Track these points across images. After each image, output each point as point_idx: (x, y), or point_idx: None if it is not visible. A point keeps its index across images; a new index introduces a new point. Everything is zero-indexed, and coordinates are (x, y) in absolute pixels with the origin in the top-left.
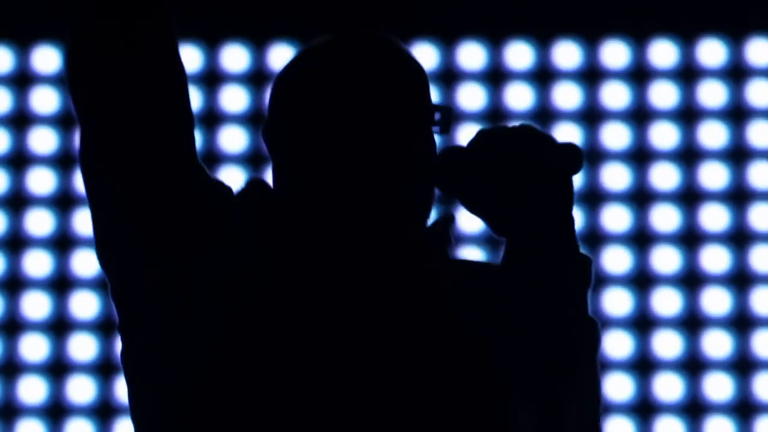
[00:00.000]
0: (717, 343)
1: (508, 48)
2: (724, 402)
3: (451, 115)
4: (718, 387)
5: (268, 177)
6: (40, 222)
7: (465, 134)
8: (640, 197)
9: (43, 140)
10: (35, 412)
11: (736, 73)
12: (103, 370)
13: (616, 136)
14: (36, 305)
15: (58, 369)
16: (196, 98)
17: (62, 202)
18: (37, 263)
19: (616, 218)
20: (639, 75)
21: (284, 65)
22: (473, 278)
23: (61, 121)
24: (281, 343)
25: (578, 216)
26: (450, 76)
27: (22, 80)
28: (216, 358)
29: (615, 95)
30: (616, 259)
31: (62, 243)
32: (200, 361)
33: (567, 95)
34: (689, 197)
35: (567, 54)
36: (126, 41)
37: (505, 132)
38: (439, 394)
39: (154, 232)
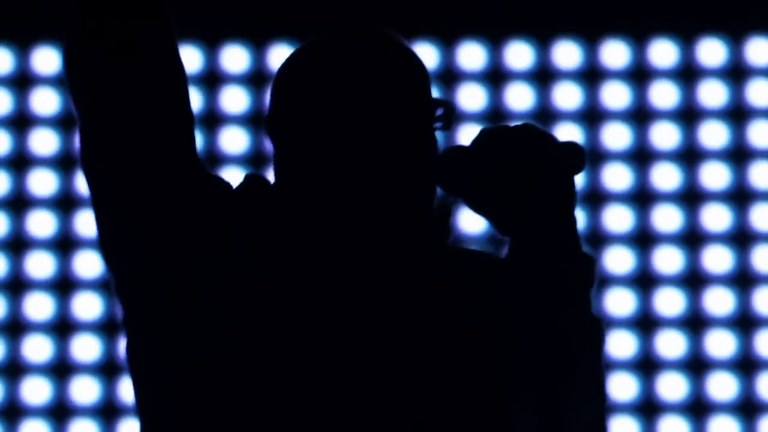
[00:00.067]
0: (720, 343)
1: (509, 48)
2: (727, 401)
3: (453, 111)
4: (722, 387)
5: (269, 177)
6: (42, 223)
7: (465, 135)
8: (642, 197)
9: (43, 141)
10: (39, 413)
11: (737, 73)
12: (106, 370)
13: (616, 136)
14: (39, 306)
15: (61, 370)
16: (196, 99)
17: (64, 204)
18: (40, 264)
19: (618, 219)
20: (639, 75)
21: (286, 59)
22: (477, 273)
23: (62, 122)
24: (283, 341)
25: (580, 216)
26: (450, 76)
27: (22, 81)
28: (217, 356)
29: (615, 95)
30: (618, 260)
31: (64, 244)
32: (202, 358)
33: (567, 95)
34: (691, 197)
35: (567, 54)
36: (125, 41)
37: (507, 131)
38: (442, 390)
39: (155, 231)
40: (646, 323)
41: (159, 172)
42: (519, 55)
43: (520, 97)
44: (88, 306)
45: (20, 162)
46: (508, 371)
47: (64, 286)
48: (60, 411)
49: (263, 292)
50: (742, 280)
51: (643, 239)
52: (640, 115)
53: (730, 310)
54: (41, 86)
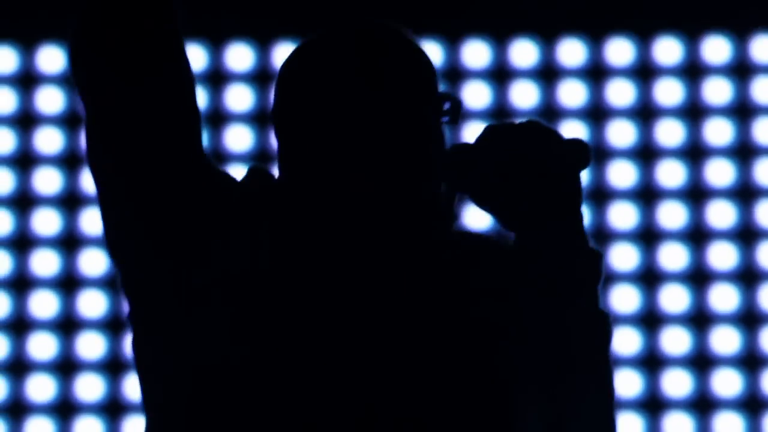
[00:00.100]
0: (725, 340)
1: (513, 46)
2: (733, 398)
3: (460, 105)
4: (727, 383)
5: (273, 172)
6: (46, 222)
7: (470, 132)
8: (647, 195)
9: (48, 140)
10: (44, 410)
11: (742, 70)
12: (111, 368)
13: (621, 133)
14: (44, 304)
15: (66, 367)
16: (200, 98)
17: (69, 202)
18: (45, 263)
19: (623, 216)
20: (644, 72)
21: (291, 53)
22: (484, 267)
23: (67, 121)
24: (287, 337)
25: (586, 213)
26: (455, 74)
27: (27, 80)
28: (221, 353)
29: (620, 93)
30: (623, 257)
31: (69, 242)
32: (206, 355)
33: (572, 93)
34: (696, 194)
35: (572, 52)
36: (131, 40)
37: (513, 128)
38: (447, 386)
39: (160, 227)
40: (650, 320)
41: (165, 170)
42: (523, 52)
43: (524, 95)
44: (93, 304)
45: (25, 160)
46: (515, 367)
47: (69, 284)
48: (65, 408)
49: (267, 288)
50: (747, 277)
51: (648, 236)
52: (645, 113)
53: (735, 307)
54: (46, 85)
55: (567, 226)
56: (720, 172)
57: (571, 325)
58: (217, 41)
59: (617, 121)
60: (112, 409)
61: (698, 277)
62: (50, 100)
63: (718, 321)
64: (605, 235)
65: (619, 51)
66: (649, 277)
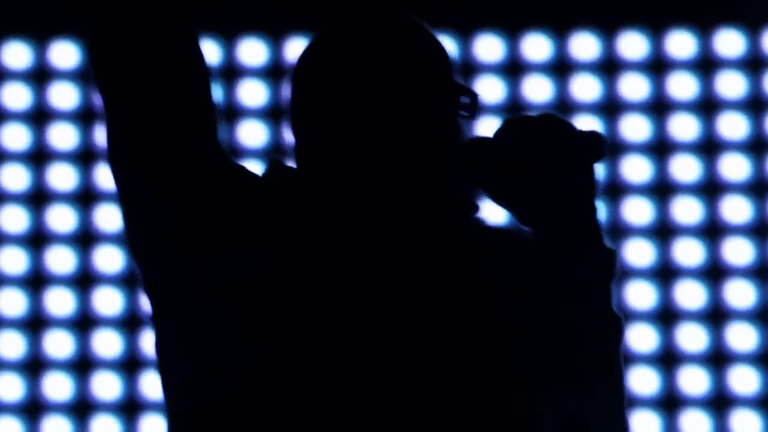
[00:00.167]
0: (741, 336)
1: (526, 40)
2: (749, 395)
3: (478, 99)
4: (743, 380)
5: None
6: (61, 218)
7: (483, 127)
8: (662, 189)
9: (62, 136)
10: (61, 409)
11: (756, 64)
12: (128, 366)
13: (635, 128)
14: (60, 302)
15: (83, 366)
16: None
17: (84, 198)
18: (61, 260)
19: (638, 211)
20: (658, 66)
21: (307, 46)
22: (502, 262)
23: (81, 117)
24: (306, 335)
25: (602, 208)
26: (468, 68)
27: (40, 75)
28: (242, 351)
29: (634, 87)
30: (638, 253)
31: (85, 239)
32: (226, 354)
33: (586, 87)
34: (711, 189)
35: (585, 46)
36: (148, 35)
37: (529, 121)
38: (461, 381)
39: (181, 225)
40: (666, 316)
41: (184, 164)
42: (537, 47)
43: (538, 90)
44: (109, 301)
45: (39, 157)
46: (531, 363)
47: (84, 281)
48: (82, 407)
49: (285, 285)
50: (764, 272)
51: (663, 231)
52: (659, 107)
53: (752, 303)
54: (59, 80)
55: (582, 220)
56: (735, 167)
57: (583, 323)
58: (229, 36)
59: (631, 115)
60: (129, 408)
61: (714, 273)
62: (64, 95)
63: (734, 317)
64: (620, 231)
65: (633, 45)
66: (665, 273)
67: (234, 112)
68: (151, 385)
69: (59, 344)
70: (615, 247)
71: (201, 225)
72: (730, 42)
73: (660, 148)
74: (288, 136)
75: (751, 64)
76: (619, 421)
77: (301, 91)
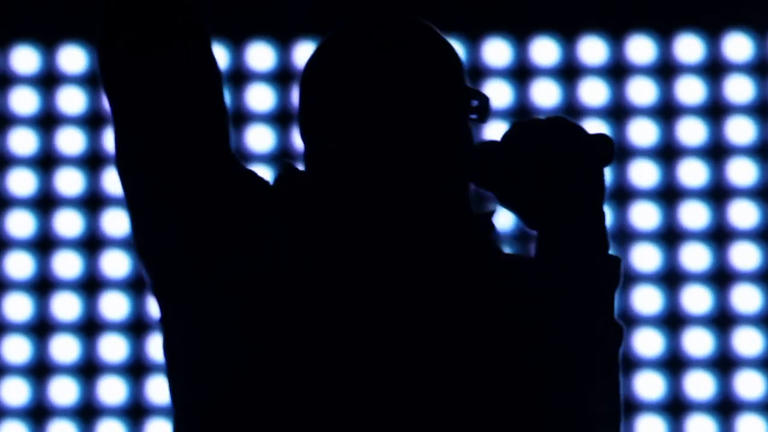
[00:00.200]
0: (748, 341)
1: (534, 44)
2: (755, 400)
3: (489, 103)
4: (749, 385)
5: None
6: (68, 223)
7: (491, 131)
8: (669, 194)
9: (70, 140)
10: (66, 414)
11: (764, 68)
12: (133, 370)
13: (643, 132)
14: (66, 306)
15: (89, 370)
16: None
17: (91, 203)
18: (67, 264)
19: (645, 215)
20: (665, 71)
21: (316, 50)
22: (510, 269)
23: (88, 121)
24: (315, 338)
25: (608, 212)
26: (476, 73)
27: (48, 80)
28: (250, 353)
29: (642, 91)
30: (645, 257)
31: (92, 244)
32: (234, 356)
33: (593, 91)
34: (718, 194)
35: (593, 50)
36: (158, 41)
37: (538, 124)
38: (469, 385)
39: (187, 228)
40: (673, 321)
41: (193, 169)
42: (545, 51)
43: (546, 94)
44: (115, 306)
45: (47, 161)
46: (532, 368)
47: (91, 286)
48: (88, 411)
49: (294, 288)
50: None
51: (670, 236)
52: (667, 111)
53: (758, 308)
54: (67, 85)
55: (589, 226)
56: (742, 171)
57: (585, 330)
58: (237, 41)
59: (638, 119)
60: (135, 412)
61: (721, 278)
62: (72, 100)
63: (741, 322)
64: (627, 235)
65: (641, 49)
66: (672, 278)
67: (241, 117)
68: (156, 390)
69: (65, 348)
70: (622, 252)
71: (209, 229)
72: (738, 46)
73: (667, 153)
74: (296, 141)
75: (759, 68)
76: (614, 425)
77: (310, 95)
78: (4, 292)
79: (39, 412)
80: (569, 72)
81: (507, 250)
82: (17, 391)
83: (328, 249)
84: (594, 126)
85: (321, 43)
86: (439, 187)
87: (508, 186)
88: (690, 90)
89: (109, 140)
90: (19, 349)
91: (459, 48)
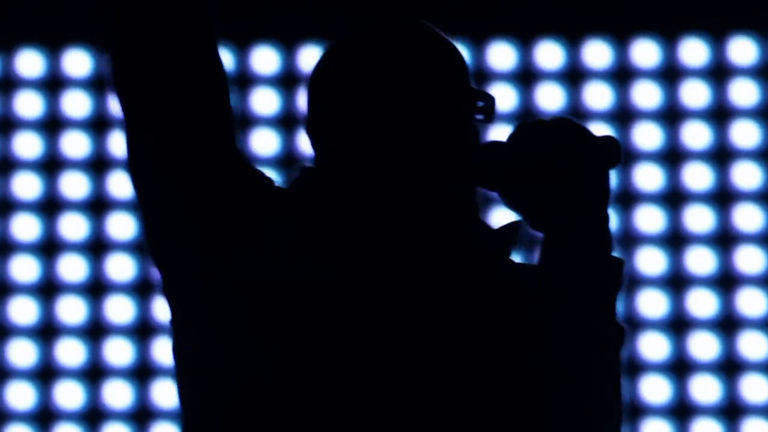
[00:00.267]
0: (753, 345)
1: (539, 48)
2: (761, 404)
3: (494, 103)
4: (755, 388)
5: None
6: (74, 226)
7: (495, 135)
8: (674, 198)
9: (75, 144)
10: (72, 417)
11: None
12: (140, 374)
13: (648, 136)
14: (72, 310)
15: (95, 374)
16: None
17: (96, 206)
18: (73, 268)
19: (650, 219)
20: (670, 74)
21: (323, 55)
22: (517, 272)
23: (93, 125)
24: (324, 340)
25: (613, 216)
26: (481, 76)
27: (53, 84)
28: (265, 356)
29: (646, 95)
30: (650, 261)
31: (97, 247)
32: (242, 358)
33: (598, 95)
34: (723, 197)
35: (598, 53)
36: (167, 42)
37: (542, 125)
38: (471, 383)
39: (201, 228)
40: (678, 324)
41: (203, 168)
42: (549, 54)
43: (551, 97)
44: (121, 310)
45: (52, 165)
46: (536, 369)
47: (97, 289)
48: (94, 415)
49: (304, 290)
50: None
51: (675, 240)
52: (672, 115)
53: (764, 312)
54: (72, 89)
55: (594, 228)
56: (747, 175)
57: (587, 331)
58: (242, 44)
59: (643, 123)
60: (141, 415)
61: (726, 282)
62: (77, 103)
63: (747, 326)
64: (632, 239)
65: (646, 52)
66: (677, 282)
67: (246, 120)
68: (162, 393)
69: (71, 352)
70: (627, 255)
71: (222, 229)
72: (743, 49)
73: (672, 156)
74: (302, 144)
75: (764, 71)
76: (615, 427)
77: (318, 100)
78: (11, 295)
79: (45, 415)
80: (574, 75)
81: (521, 259)
82: (24, 395)
83: (340, 252)
84: (599, 129)
85: (328, 47)
86: (449, 190)
87: (513, 187)
88: (695, 93)
89: (114, 143)
90: (25, 353)
91: (464, 51)
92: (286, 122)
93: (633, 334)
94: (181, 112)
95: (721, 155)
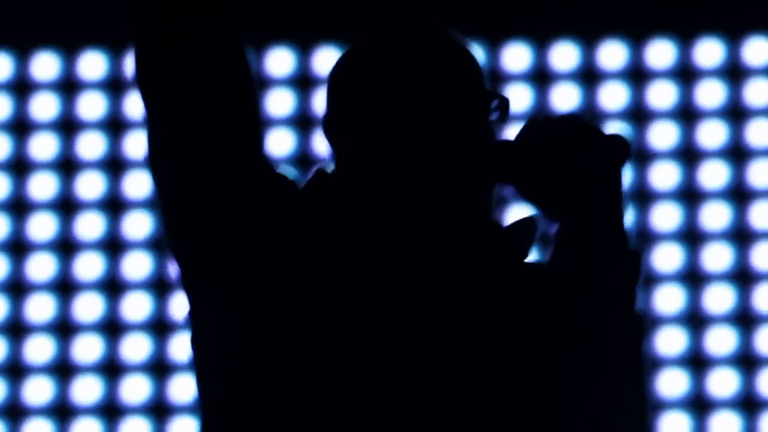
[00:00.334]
0: None
1: (554, 48)
2: None
3: (509, 104)
4: None
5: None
6: (90, 226)
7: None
8: (690, 196)
9: (90, 145)
10: (90, 412)
11: None
12: (157, 369)
13: (663, 135)
14: (88, 307)
15: (112, 369)
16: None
17: (112, 206)
18: (88, 266)
19: (666, 217)
20: (685, 74)
21: (340, 59)
22: (532, 271)
23: (108, 126)
24: (341, 342)
25: (628, 211)
26: (496, 77)
27: (69, 86)
28: (275, 354)
29: (661, 94)
30: (666, 257)
31: (113, 246)
32: (260, 356)
33: (613, 95)
34: (739, 195)
35: (613, 54)
36: (194, 42)
37: (553, 121)
38: (490, 380)
39: (222, 228)
40: (695, 320)
41: (225, 167)
42: (564, 55)
43: (566, 98)
44: (138, 306)
45: (67, 165)
46: (556, 365)
47: (113, 287)
48: (110, 410)
49: (325, 294)
50: None
51: (691, 237)
52: (687, 114)
53: None
54: (88, 90)
55: (608, 223)
56: (762, 173)
57: (606, 325)
58: (258, 46)
59: (659, 122)
60: (159, 410)
61: (743, 278)
62: (93, 105)
63: (763, 321)
64: (648, 236)
65: (660, 53)
66: (693, 278)
67: (262, 121)
68: (180, 388)
69: (89, 348)
70: (643, 250)
71: (243, 229)
72: (758, 50)
73: (688, 155)
74: (316, 145)
75: None
76: (641, 421)
77: (335, 102)
78: (29, 293)
79: (63, 411)
80: (589, 76)
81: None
82: (41, 391)
83: (356, 253)
84: (615, 129)
85: (346, 51)
86: (466, 192)
87: (526, 183)
88: (710, 93)
89: (129, 144)
90: (42, 349)
91: (480, 52)
92: (301, 123)
93: (650, 329)
94: (204, 109)
95: (736, 153)
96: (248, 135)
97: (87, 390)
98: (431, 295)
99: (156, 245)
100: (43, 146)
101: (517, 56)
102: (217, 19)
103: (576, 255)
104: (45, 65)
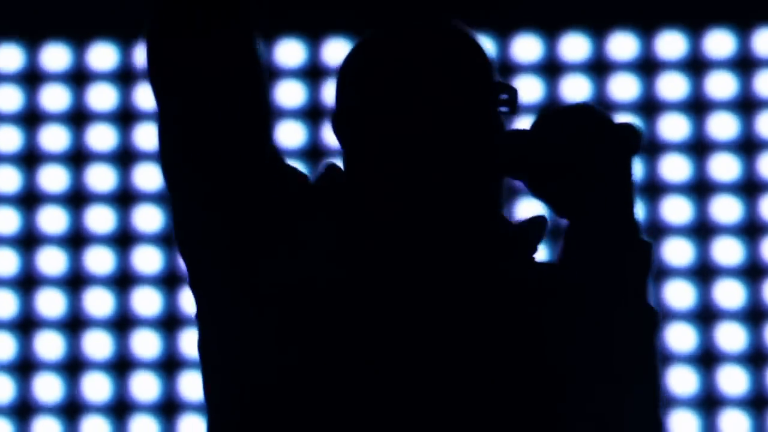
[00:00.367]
0: None
1: (564, 40)
2: None
3: (518, 95)
4: None
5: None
6: (100, 219)
7: (520, 125)
8: (701, 188)
9: (100, 137)
10: (99, 410)
11: None
12: (166, 367)
13: (674, 127)
14: (98, 302)
15: (121, 366)
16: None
17: (122, 199)
18: (99, 261)
19: (677, 210)
20: (696, 65)
21: (350, 52)
22: (541, 269)
23: (119, 118)
24: (355, 341)
25: (640, 204)
26: (506, 68)
27: (79, 77)
28: (289, 355)
29: (672, 86)
30: (677, 251)
31: (123, 240)
32: (268, 357)
33: (624, 87)
34: (750, 188)
35: (624, 45)
36: (206, 39)
37: (566, 111)
38: (498, 381)
39: (230, 227)
40: (706, 315)
41: (237, 163)
42: (575, 47)
43: (576, 90)
44: (148, 301)
45: (78, 158)
46: (567, 363)
47: (123, 282)
48: (120, 408)
49: (335, 290)
50: None
51: (702, 231)
52: (698, 106)
53: None
54: (99, 82)
55: (619, 214)
56: None
57: (619, 318)
58: (268, 37)
59: (669, 114)
60: (168, 408)
61: (753, 272)
62: (103, 97)
63: None
64: (659, 230)
65: (671, 44)
66: (704, 272)
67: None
68: (188, 386)
69: (98, 344)
70: (653, 242)
71: (254, 228)
72: None
73: (699, 147)
74: (326, 137)
75: None
76: (655, 418)
77: (345, 94)
78: (39, 288)
79: (72, 408)
80: (600, 68)
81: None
82: (51, 388)
83: (366, 253)
84: (625, 120)
85: (357, 43)
86: (475, 185)
87: (537, 173)
88: (721, 85)
89: (140, 136)
90: (53, 346)
91: (490, 44)
92: (311, 114)
93: (661, 324)
94: (216, 103)
95: (748, 146)
96: (259, 130)
97: (96, 387)
98: (435, 295)
99: (167, 239)
100: (54, 138)
101: (527, 48)
102: (229, 12)
103: (587, 247)
104: (55, 57)
